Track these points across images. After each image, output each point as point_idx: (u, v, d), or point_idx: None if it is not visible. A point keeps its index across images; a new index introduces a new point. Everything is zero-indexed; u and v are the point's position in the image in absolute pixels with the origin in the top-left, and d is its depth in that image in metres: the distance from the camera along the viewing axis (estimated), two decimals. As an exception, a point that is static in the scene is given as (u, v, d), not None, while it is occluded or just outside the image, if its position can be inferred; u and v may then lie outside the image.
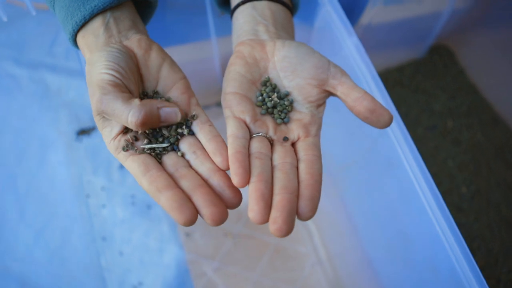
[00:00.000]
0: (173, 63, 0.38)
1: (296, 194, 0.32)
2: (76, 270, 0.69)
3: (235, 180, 0.32)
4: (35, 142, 0.80)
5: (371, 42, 0.83)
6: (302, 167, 0.34)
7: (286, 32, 0.43)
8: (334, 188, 0.67)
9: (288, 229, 0.30)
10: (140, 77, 0.37)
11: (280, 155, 0.35)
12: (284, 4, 0.43)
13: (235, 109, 0.36)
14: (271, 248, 0.71)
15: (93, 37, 0.37)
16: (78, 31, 0.38)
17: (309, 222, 0.74)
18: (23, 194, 0.76)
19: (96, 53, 0.35)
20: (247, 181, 0.32)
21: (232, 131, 0.35)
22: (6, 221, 0.74)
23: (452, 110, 0.85)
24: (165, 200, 0.31)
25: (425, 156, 0.79)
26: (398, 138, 0.45)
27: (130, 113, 0.32)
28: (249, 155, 0.34)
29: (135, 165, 0.33)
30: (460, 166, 0.78)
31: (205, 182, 0.33)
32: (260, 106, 0.38)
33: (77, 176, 0.77)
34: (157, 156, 0.35)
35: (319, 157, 0.35)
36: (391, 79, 0.88)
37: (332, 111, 0.57)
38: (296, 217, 0.32)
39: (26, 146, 0.80)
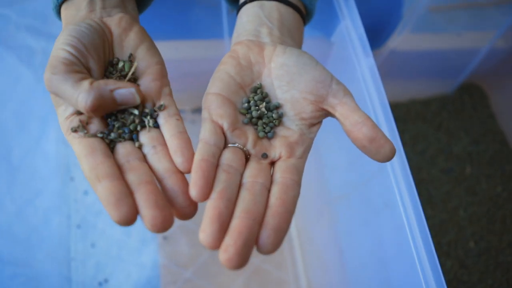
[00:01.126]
0: (151, 47, 0.35)
1: (259, 221, 0.27)
2: (44, 255, 0.66)
3: (193, 192, 0.28)
4: (37, 117, 0.79)
5: (398, 68, 0.78)
6: (275, 190, 0.30)
7: (291, 39, 0.39)
8: (326, 217, 0.62)
9: (240, 261, 0.26)
10: (111, 56, 0.34)
11: (252, 173, 0.30)
12: (296, 8, 0.39)
13: (214, 112, 0.32)
14: (251, 267, 0.66)
15: (75, 10, 0.35)
16: (62, 2, 0.35)
17: (295, 247, 0.69)
18: (15, 167, 0.74)
19: (66, 27, 0.33)
20: (206, 196, 0.28)
21: (204, 135, 0.31)
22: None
23: (472, 155, 0.78)
24: (102, 191, 0.27)
25: (435, 200, 0.73)
26: (397, 178, 0.40)
27: (79, 97, 0.29)
28: (217, 166, 0.30)
29: (80, 148, 0.29)
30: (471, 217, 0.72)
31: (159, 182, 0.29)
32: (244, 114, 0.34)
33: (66, 156, 0.74)
34: (111, 142, 0.31)
35: (297, 183, 0.31)
36: (414, 111, 0.82)
37: (334, 133, 0.52)
38: (255, 248, 0.27)
39: (28, 119, 0.78)
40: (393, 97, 0.79)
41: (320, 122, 0.35)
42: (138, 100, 0.31)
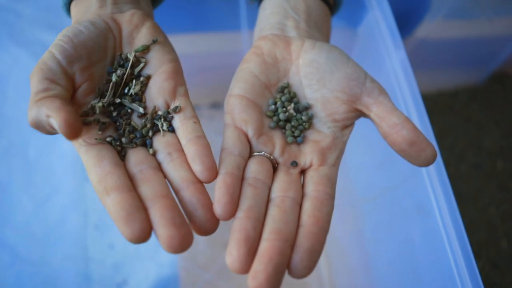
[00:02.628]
0: (165, 43, 0.32)
1: (291, 243, 0.25)
2: (62, 254, 0.66)
3: (217, 209, 0.25)
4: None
5: (425, 58, 0.74)
6: (307, 206, 0.27)
7: (319, 32, 0.36)
8: (351, 218, 0.59)
9: None
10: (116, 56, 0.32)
11: (282, 186, 0.28)
12: None
13: (238, 116, 0.30)
14: (272, 269, 0.64)
15: (85, 6, 0.33)
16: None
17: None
18: (31, 165, 0.73)
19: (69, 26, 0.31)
20: (232, 214, 0.25)
21: (227, 144, 0.29)
22: (10, 187, 0.71)
23: (504, 149, 0.74)
24: (111, 205, 0.24)
25: (465, 197, 0.70)
26: (433, 183, 0.37)
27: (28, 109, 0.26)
28: (242, 179, 0.27)
29: (87, 157, 0.26)
30: (504, 215, 0.68)
31: (176, 193, 0.26)
32: (271, 117, 0.31)
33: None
34: (122, 149, 0.28)
35: (331, 196, 0.28)
36: (442, 103, 0.78)
37: (360, 132, 0.49)
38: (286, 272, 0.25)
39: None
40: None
41: (352, 124, 0.32)
42: (75, 135, 0.25)
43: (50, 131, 0.27)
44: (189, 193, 0.26)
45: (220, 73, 0.67)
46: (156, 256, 0.65)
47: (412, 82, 0.41)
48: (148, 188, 0.25)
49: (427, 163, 0.28)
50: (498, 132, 0.76)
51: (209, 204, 0.26)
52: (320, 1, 0.36)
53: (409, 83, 0.41)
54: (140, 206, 0.24)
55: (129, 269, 0.64)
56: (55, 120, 0.25)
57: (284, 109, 0.31)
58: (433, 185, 0.37)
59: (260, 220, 0.26)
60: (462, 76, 0.80)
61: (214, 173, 0.26)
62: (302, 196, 0.28)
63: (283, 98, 0.32)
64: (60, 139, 0.75)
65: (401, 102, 0.41)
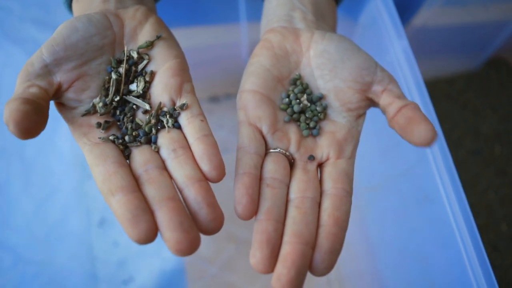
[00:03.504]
0: (169, 38, 0.32)
1: (312, 245, 0.25)
2: (66, 254, 0.65)
3: (238, 210, 0.25)
4: (50, 112, 0.77)
5: (421, 46, 0.74)
6: (327, 205, 0.27)
7: (326, 24, 0.36)
8: (355, 207, 0.60)
9: None
10: (119, 50, 0.31)
11: (300, 186, 0.28)
12: None
13: (251, 113, 0.30)
14: (277, 260, 0.65)
15: (87, 3, 0.32)
16: None
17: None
18: (29, 165, 0.72)
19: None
20: (252, 214, 0.26)
21: (243, 142, 0.28)
22: (9, 188, 0.70)
23: (501, 134, 0.75)
24: (117, 206, 0.24)
25: (464, 183, 0.70)
26: (440, 169, 0.37)
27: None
28: (260, 178, 0.28)
29: (91, 157, 0.26)
30: (503, 199, 0.69)
31: (180, 191, 0.26)
32: (285, 110, 0.31)
33: (82, 154, 0.72)
34: (126, 148, 0.28)
35: (349, 193, 0.28)
36: (438, 90, 0.78)
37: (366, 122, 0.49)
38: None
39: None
40: (416, 76, 0.76)
41: (365, 114, 0.32)
42: (19, 135, 0.24)
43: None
44: (194, 192, 0.25)
45: (219, 67, 0.67)
46: (161, 251, 0.65)
47: (416, 71, 0.41)
48: (154, 190, 0.25)
49: (426, 142, 0.27)
50: (495, 118, 0.77)
51: (214, 203, 0.25)
52: None
53: (413, 72, 0.41)
54: (145, 208, 0.24)
55: (134, 265, 0.64)
56: (8, 119, 0.24)
57: (298, 100, 0.31)
58: (440, 172, 0.37)
59: (281, 221, 0.26)
60: (458, 63, 0.80)
61: (222, 172, 0.26)
62: (321, 193, 0.28)
63: (296, 90, 0.31)
64: (58, 137, 0.75)
65: (405, 91, 0.41)
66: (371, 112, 0.34)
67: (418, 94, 0.40)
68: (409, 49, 0.42)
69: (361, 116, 0.31)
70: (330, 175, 0.28)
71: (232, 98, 0.75)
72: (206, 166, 0.26)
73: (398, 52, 0.43)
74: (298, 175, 0.28)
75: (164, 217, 0.24)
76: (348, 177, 0.28)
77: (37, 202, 0.70)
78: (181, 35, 0.64)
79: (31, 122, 0.24)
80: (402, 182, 0.46)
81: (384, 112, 0.30)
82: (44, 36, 0.82)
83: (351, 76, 0.31)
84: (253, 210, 0.25)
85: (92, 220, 0.68)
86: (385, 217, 0.53)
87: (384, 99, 0.30)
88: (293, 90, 0.32)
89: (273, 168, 0.28)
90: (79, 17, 0.29)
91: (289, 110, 0.31)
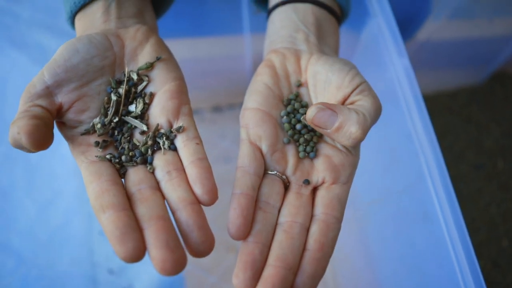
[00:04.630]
0: (169, 60, 0.32)
1: (294, 271, 0.26)
2: (67, 258, 0.66)
3: (231, 230, 0.26)
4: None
5: (425, 59, 0.74)
6: (314, 230, 0.28)
7: (328, 46, 0.36)
8: (354, 221, 0.60)
9: None
10: (120, 71, 0.32)
11: (291, 211, 0.28)
12: (331, 11, 0.36)
13: (253, 131, 0.30)
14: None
15: (89, 21, 0.33)
16: (77, 12, 0.33)
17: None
18: (34, 167, 0.73)
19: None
20: (245, 235, 0.26)
21: (243, 162, 0.29)
22: (13, 193, 0.71)
23: (505, 148, 0.75)
24: (106, 223, 0.24)
25: (466, 198, 0.70)
26: (437, 189, 0.37)
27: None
28: (256, 199, 0.28)
29: (87, 173, 0.27)
30: (505, 214, 0.69)
31: (173, 213, 0.26)
32: (287, 130, 0.32)
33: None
34: (122, 167, 0.28)
35: (339, 220, 0.28)
36: (441, 104, 0.78)
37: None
38: None
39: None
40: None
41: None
42: (32, 146, 0.25)
43: (27, 148, 0.27)
44: (185, 214, 0.26)
45: (222, 77, 0.67)
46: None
47: (416, 91, 0.41)
48: (145, 209, 0.25)
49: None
50: (498, 132, 0.76)
51: (205, 226, 0.26)
52: (328, 13, 0.36)
53: (413, 91, 0.41)
54: (134, 226, 0.24)
55: (134, 273, 0.65)
56: (20, 133, 0.25)
57: (295, 117, 0.32)
58: (437, 191, 0.37)
59: (267, 245, 0.26)
60: (462, 76, 0.80)
61: (214, 196, 0.27)
62: (311, 216, 0.28)
63: (296, 105, 0.32)
64: (61, 143, 0.75)
65: (405, 110, 0.42)
66: (374, 127, 0.34)
67: (418, 114, 0.40)
68: (410, 68, 0.42)
69: None
70: (322, 200, 0.29)
71: (235, 109, 0.75)
72: (199, 190, 0.26)
73: (399, 71, 0.43)
74: (291, 199, 0.29)
75: (151, 235, 0.24)
76: (340, 203, 0.29)
77: (40, 207, 0.71)
78: (186, 45, 0.65)
79: (42, 134, 0.25)
80: (402, 198, 0.46)
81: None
82: (50, 42, 0.83)
83: (334, 98, 0.31)
84: (246, 232, 0.26)
85: (94, 226, 0.68)
86: (386, 233, 0.53)
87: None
88: (293, 107, 0.32)
89: (267, 192, 0.28)
90: (80, 38, 0.30)
91: (289, 132, 0.31)
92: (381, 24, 0.44)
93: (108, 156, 0.28)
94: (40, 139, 0.25)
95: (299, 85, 0.33)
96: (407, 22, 0.62)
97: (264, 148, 0.30)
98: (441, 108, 0.78)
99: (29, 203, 0.71)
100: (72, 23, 0.34)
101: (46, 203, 0.71)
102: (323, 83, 0.32)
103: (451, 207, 0.37)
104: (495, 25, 0.71)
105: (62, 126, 0.30)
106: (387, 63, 0.44)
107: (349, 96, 0.30)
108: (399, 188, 0.46)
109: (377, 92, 0.31)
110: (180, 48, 0.68)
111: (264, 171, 0.29)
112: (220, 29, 0.61)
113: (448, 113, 0.78)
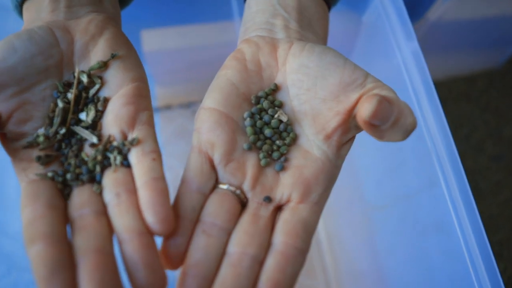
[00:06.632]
0: (127, 57, 0.27)
1: None
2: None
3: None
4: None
5: (438, 41, 0.68)
6: (270, 264, 0.22)
7: (313, 32, 0.30)
8: (360, 224, 0.55)
9: None
10: (69, 70, 0.27)
11: (243, 240, 0.23)
12: None
13: (204, 137, 0.25)
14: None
15: (35, 11, 0.28)
16: (23, 1, 0.29)
17: (325, 252, 0.63)
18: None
19: None
20: (179, 265, 0.22)
21: (187, 175, 0.24)
22: (5, 195, 0.68)
23: (527, 138, 0.69)
24: (34, 257, 0.20)
25: (484, 193, 0.65)
26: (454, 197, 0.32)
27: None
28: (197, 220, 0.24)
29: (23, 195, 0.23)
30: (527, 211, 0.63)
31: (119, 245, 0.22)
32: (249, 136, 0.26)
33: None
34: (67, 187, 0.24)
35: (302, 251, 0.23)
36: (456, 90, 0.74)
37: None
38: None
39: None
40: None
41: (350, 141, 0.26)
42: None
43: None
44: (131, 248, 0.21)
45: (213, 67, 0.62)
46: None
47: (427, 78, 0.36)
48: (82, 239, 0.21)
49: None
50: (519, 120, 0.71)
51: (153, 263, 0.21)
52: None
53: (424, 78, 0.36)
54: (66, 264, 0.20)
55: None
56: None
57: (264, 120, 0.27)
58: (453, 200, 0.32)
59: (209, 278, 0.22)
60: (479, 60, 0.74)
61: (168, 226, 0.22)
62: (269, 245, 0.23)
63: (265, 104, 0.27)
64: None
65: (413, 99, 0.37)
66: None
67: (429, 107, 0.35)
68: (419, 52, 0.37)
69: (344, 145, 0.26)
70: (284, 224, 0.24)
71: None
72: (150, 218, 0.22)
73: (407, 56, 0.38)
74: (245, 223, 0.24)
75: (84, 274, 0.20)
76: (305, 231, 0.23)
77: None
78: (174, 34, 0.61)
79: None
80: (412, 204, 0.41)
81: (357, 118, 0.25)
82: None
83: (332, 95, 0.25)
84: (180, 261, 0.23)
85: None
86: (393, 239, 0.48)
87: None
88: (262, 104, 0.27)
89: (214, 211, 0.24)
90: (19, 34, 0.25)
91: (251, 137, 0.26)
92: (385, 3, 0.39)
93: (50, 174, 0.24)
94: None
95: (275, 89, 0.28)
96: (416, 0, 0.57)
97: (217, 157, 0.25)
98: (456, 95, 0.74)
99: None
100: (20, 13, 0.30)
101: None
102: (314, 78, 0.26)
103: (471, 221, 0.32)
104: (515, 1, 0.65)
105: (3, 138, 0.26)
106: (394, 47, 0.39)
107: (361, 93, 0.25)
108: (409, 193, 0.41)
109: (382, 80, 0.26)
110: (167, 37, 0.63)
111: (216, 184, 0.25)
112: (209, 16, 0.57)
113: (464, 100, 0.73)
